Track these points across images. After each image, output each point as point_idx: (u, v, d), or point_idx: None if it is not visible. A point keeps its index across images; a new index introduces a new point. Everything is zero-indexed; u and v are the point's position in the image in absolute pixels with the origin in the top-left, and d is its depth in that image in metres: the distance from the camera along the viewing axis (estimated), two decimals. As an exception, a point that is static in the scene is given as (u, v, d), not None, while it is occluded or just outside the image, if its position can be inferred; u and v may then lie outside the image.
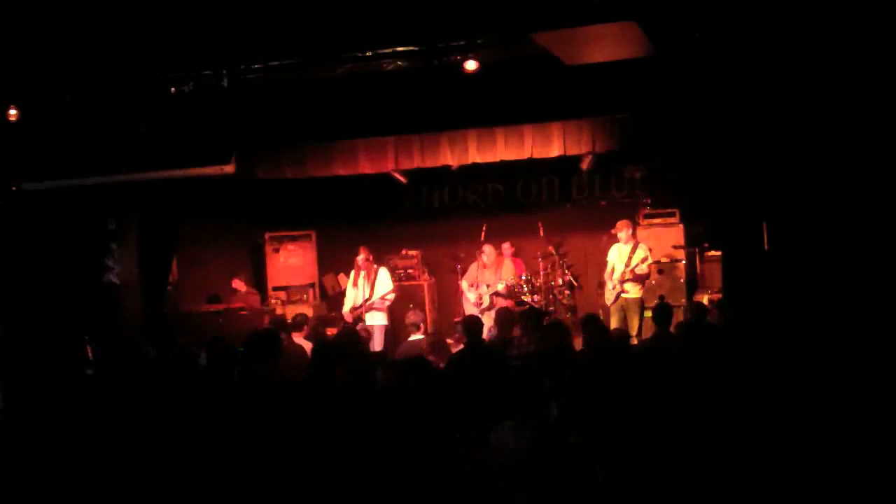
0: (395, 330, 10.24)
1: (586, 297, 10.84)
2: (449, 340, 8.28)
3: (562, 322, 8.08)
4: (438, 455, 4.41)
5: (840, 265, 6.80)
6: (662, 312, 7.19)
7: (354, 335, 7.55)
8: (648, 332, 8.10)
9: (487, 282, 9.80)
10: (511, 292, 9.85)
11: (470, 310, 9.82)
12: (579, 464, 3.83)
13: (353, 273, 9.76)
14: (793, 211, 7.19)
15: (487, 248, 9.97)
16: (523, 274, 10.35)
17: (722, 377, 5.13)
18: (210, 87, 7.61)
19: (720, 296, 9.16)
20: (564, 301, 10.61)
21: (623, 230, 9.40)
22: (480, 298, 9.83)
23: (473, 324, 6.92)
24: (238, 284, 10.93)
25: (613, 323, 9.47)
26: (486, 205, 11.93)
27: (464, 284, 10.09)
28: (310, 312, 11.07)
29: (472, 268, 10.09)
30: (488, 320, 9.48)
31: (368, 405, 5.45)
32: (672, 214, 10.37)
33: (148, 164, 8.73)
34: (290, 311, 11.03)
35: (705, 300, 9.33)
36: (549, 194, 11.82)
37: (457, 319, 9.65)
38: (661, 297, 9.55)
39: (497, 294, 9.77)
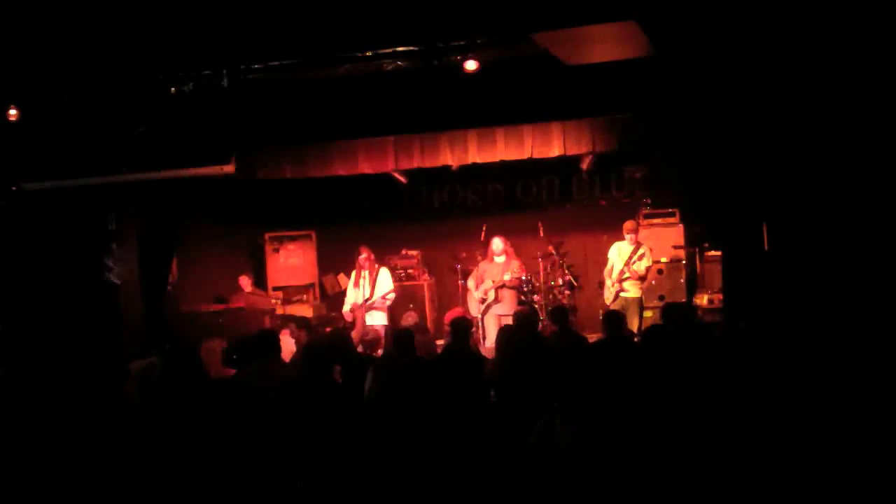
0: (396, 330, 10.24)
1: (586, 297, 10.84)
2: (440, 341, 8.31)
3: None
4: (438, 454, 4.42)
5: (840, 265, 6.80)
6: (672, 312, 7.20)
7: (345, 336, 7.58)
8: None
9: (493, 277, 9.78)
10: (518, 284, 9.81)
11: (475, 307, 9.83)
12: (578, 457, 3.83)
13: (354, 273, 9.75)
14: (793, 211, 7.19)
15: (496, 240, 9.92)
16: (523, 274, 10.33)
17: (720, 377, 5.13)
18: (210, 87, 7.61)
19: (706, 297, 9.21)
20: (564, 301, 10.60)
21: (631, 230, 9.40)
22: (486, 294, 9.81)
23: (460, 324, 6.90)
24: (244, 282, 10.94)
25: (613, 323, 9.47)
26: (486, 205, 11.92)
27: (470, 283, 10.10)
28: (310, 312, 11.12)
29: (479, 266, 10.11)
30: (492, 320, 9.49)
31: (362, 405, 5.47)
32: (672, 214, 10.37)
33: (148, 164, 8.73)
34: (290, 311, 11.06)
35: (705, 300, 9.34)
36: (549, 194, 11.82)
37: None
38: (661, 297, 9.59)
39: (504, 286, 9.73)
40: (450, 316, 9.47)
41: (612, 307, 9.45)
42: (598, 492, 3.78)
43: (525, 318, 7.06)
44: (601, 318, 6.92)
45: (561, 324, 7.18)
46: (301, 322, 8.35)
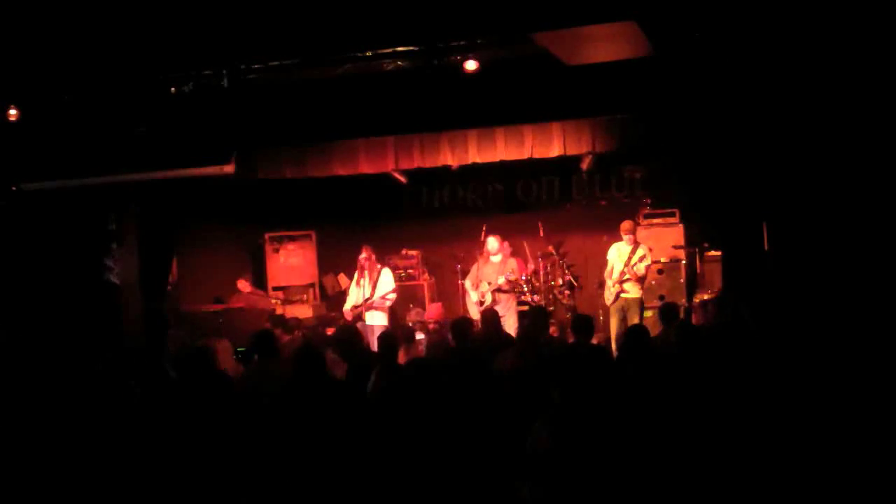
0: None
1: (586, 297, 10.84)
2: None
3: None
4: (437, 455, 4.42)
5: (840, 265, 6.80)
6: (669, 312, 7.22)
7: (353, 332, 7.56)
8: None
9: (489, 279, 9.76)
10: (514, 286, 9.79)
11: (473, 309, 9.80)
12: (580, 454, 3.83)
13: (356, 273, 9.74)
14: (793, 211, 7.20)
15: (491, 239, 9.91)
16: (524, 274, 10.32)
17: (721, 376, 5.13)
18: (210, 87, 7.61)
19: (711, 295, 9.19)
20: (564, 301, 10.60)
21: (628, 231, 9.40)
22: (483, 297, 9.79)
23: (462, 325, 6.90)
24: (243, 285, 10.94)
25: (613, 323, 9.48)
26: (486, 205, 11.92)
27: (467, 284, 10.08)
28: (310, 312, 11.12)
29: (475, 267, 10.08)
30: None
31: (364, 404, 5.46)
32: (672, 214, 10.37)
33: (148, 164, 8.73)
34: (290, 311, 11.06)
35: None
36: (549, 194, 11.82)
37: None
38: (661, 297, 9.58)
39: (499, 290, 9.72)
40: (430, 313, 9.47)
41: (612, 308, 9.46)
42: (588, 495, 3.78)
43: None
44: (571, 321, 6.96)
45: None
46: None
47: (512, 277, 9.67)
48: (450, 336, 6.95)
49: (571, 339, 7.02)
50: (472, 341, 6.66)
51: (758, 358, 5.52)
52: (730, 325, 6.94)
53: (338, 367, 6.78)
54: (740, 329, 6.55)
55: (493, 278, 9.70)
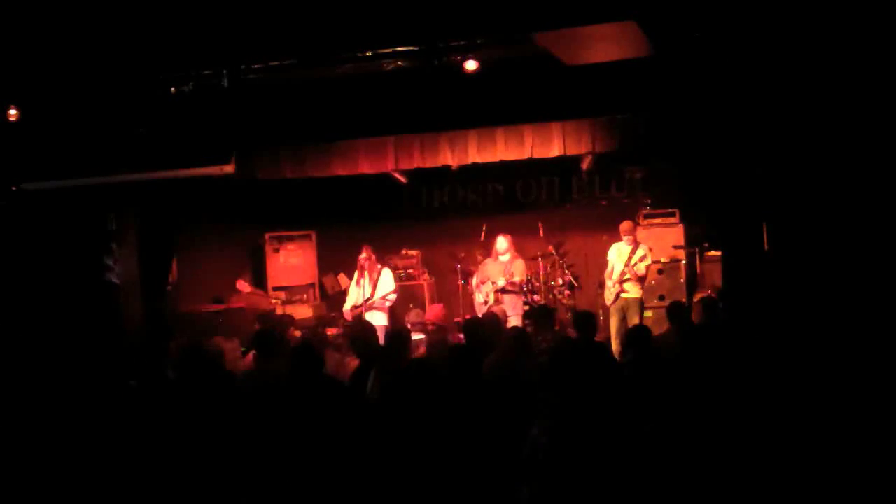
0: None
1: (586, 297, 10.85)
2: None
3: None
4: (439, 453, 4.42)
5: (840, 265, 6.80)
6: (676, 311, 7.25)
7: (368, 327, 7.56)
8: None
9: (494, 278, 9.76)
10: (518, 288, 9.77)
11: (480, 310, 9.82)
12: (582, 455, 3.83)
13: (356, 272, 9.74)
14: (793, 211, 7.19)
15: (500, 238, 9.91)
16: (526, 275, 10.32)
17: (722, 376, 5.14)
18: (210, 87, 7.61)
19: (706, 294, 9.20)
20: (564, 301, 10.60)
21: (628, 231, 9.41)
22: (487, 297, 9.79)
23: (472, 325, 6.91)
24: (242, 285, 10.94)
25: (613, 323, 9.49)
26: (486, 205, 11.93)
27: (474, 282, 10.10)
28: (310, 312, 11.11)
29: (482, 265, 10.10)
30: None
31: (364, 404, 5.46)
32: (672, 214, 10.38)
33: (148, 164, 8.72)
34: (290, 311, 11.05)
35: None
36: (549, 194, 11.82)
37: (456, 319, 9.67)
38: (661, 297, 9.59)
39: (503, 290, 9.71)
40: (430, 313, 9.50)
41: (612, 308, 9.47)
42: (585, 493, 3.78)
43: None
44: (572, 318, 6.96)
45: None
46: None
47: (515, 279, 9.67)
48: (461, 336, 6.96)
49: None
50: (481, 342, 6.68)
51: (757, 357, 5.52)
52: (725, 325, 6.95)
53: (343, 365, 6.79)
54: (738, 329, 6.56)
55: (498, 277, 9.70)
